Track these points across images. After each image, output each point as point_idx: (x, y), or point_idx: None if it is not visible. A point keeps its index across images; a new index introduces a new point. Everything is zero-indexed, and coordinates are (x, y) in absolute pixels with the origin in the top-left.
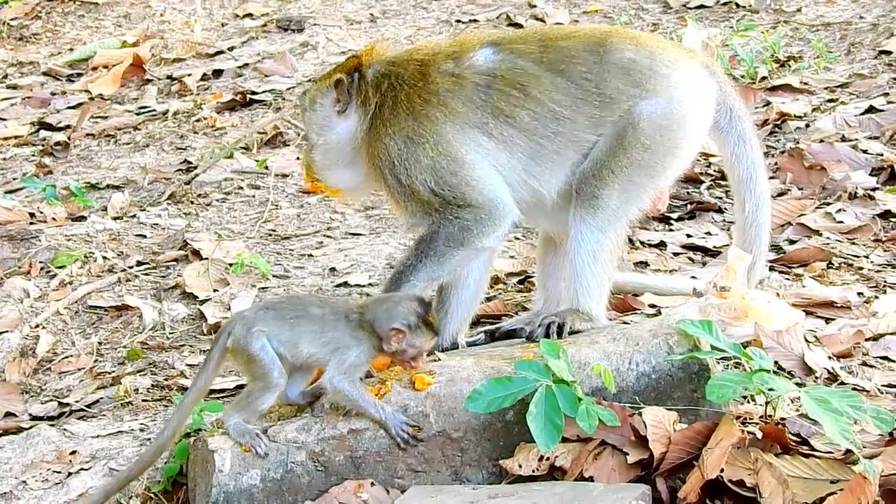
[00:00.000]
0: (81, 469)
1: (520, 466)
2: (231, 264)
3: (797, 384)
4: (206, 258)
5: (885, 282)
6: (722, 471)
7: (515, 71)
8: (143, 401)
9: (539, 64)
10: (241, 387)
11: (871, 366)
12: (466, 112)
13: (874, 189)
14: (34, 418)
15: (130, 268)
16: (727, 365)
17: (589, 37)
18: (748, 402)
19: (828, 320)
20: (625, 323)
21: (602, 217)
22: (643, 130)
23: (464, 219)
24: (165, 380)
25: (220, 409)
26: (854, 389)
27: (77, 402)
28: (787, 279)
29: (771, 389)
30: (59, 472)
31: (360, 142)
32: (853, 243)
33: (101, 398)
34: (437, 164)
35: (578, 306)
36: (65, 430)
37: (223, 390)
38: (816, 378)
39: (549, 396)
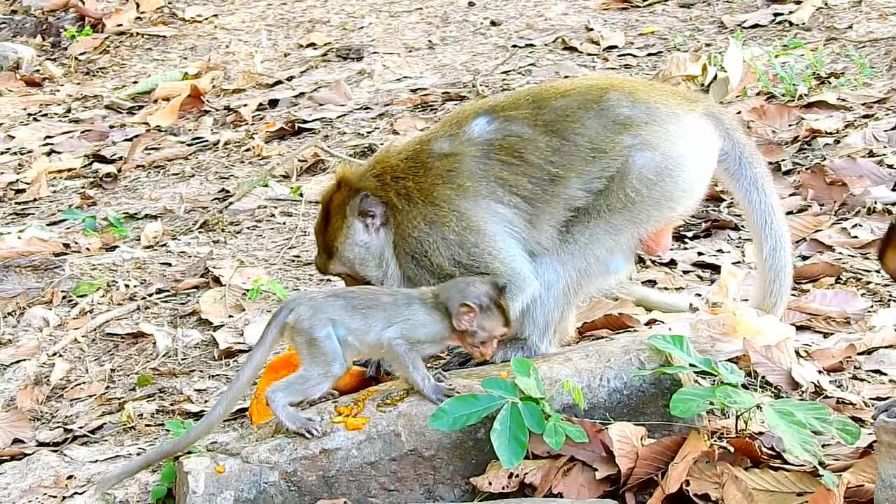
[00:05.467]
0: (76, 493)
1: (490, 484)
2: (247, 290)
3: (778, 398)
4: (225, 285)
5: (891, 296)
6: (688, 484)
7: (510, 138)
8: (147, 426)
9: (534, 127)
10: (241, 413)
11: (862, 379)
12: (473, 185)
13: (893, 204)
14: (41, 444)
15: (150, 295)
16: (711, 381)
17: (584, 94)
18: (725, 416)
19: (826, 335)
20: (600, 339)
21: (566, 250)
22: (630, 182)
23: None
24: (171, 405)
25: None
26: (840, 402)
27: (81, 427)
28: (794, 295)
29: (734, 403)
30: (55, 497)
31: (390, 243)
32: (865, 258)
33: (105, 423)
34: (464, 237)
35: (520, 334)
36: (65, 455)
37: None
38: (802, 392)
39: (514, 414)
